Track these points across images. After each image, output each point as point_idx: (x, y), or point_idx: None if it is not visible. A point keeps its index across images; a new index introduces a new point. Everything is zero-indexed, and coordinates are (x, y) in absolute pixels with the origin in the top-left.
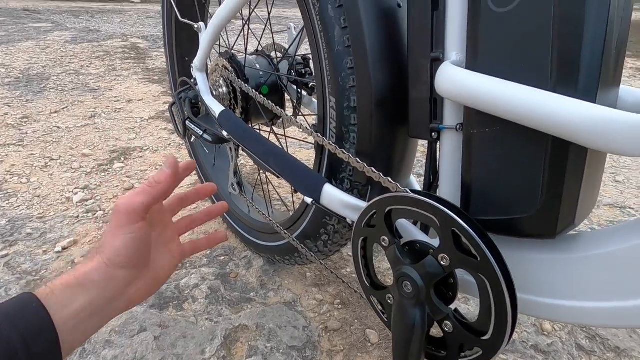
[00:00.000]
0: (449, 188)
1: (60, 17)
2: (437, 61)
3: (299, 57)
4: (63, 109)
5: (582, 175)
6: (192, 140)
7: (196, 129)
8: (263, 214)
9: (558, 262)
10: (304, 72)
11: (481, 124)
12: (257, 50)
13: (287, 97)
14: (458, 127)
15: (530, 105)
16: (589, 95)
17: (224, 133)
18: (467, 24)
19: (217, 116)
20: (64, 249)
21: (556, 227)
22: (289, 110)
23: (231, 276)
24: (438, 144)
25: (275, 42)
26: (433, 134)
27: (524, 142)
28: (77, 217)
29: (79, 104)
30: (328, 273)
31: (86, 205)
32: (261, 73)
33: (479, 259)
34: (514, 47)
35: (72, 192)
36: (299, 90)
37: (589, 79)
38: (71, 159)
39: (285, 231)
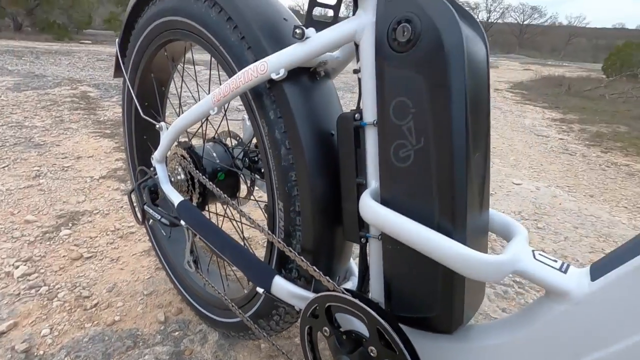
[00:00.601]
0: (377, 286)
1: (0, 58)
2: (361, 185)
3: (253, 146)
4: (3, 167)
5: (464, 289)
6: (149, 223)
7: (154, 214)
8: (219, 292)
9: (457, 351)
10: (257, 159)
11: (392, 242)
12: (213, 138)
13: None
14: (380, 237)
15: (420, 240)
16: (461, 232)
17: (182, 222)
18: (379, 168)
19: (175, 206)
20: (2, 333)
21: (451, 326)
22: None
23: (186, 354)
24: (367, 247)
25: (230, 129)
26: (362, 239)
27: (423, 261)
28: (18, 294)
29: (22, 161)
30: (280, 353)
31: (29, 281)
32: (217, 160)
33: (397, 353)
34: (412, 193)
35: (13, 265)
36: (253, 174)
37: (459, 219)
38: (12, 226)
39: (240, 310)
